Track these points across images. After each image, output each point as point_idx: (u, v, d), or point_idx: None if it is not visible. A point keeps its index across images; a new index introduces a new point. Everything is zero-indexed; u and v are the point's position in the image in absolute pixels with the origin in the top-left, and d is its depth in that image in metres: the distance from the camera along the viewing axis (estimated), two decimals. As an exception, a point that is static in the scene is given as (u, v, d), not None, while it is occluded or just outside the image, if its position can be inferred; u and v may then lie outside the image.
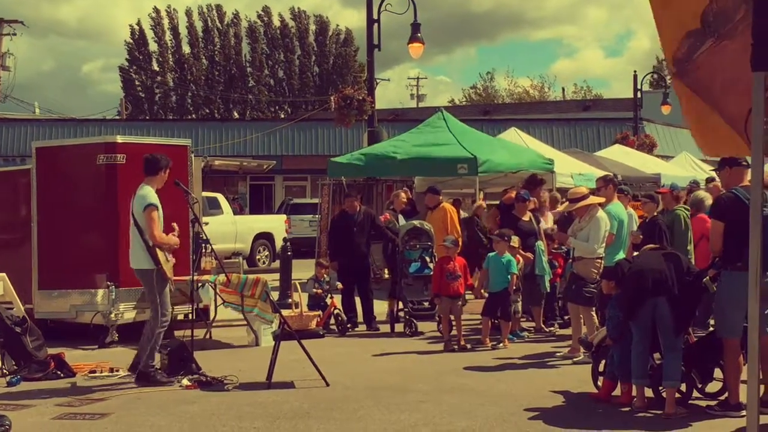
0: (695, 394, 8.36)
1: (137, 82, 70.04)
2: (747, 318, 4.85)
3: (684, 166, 27.51)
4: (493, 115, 49.00)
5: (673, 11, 4.73)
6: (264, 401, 8.59)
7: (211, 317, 12.86)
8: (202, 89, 68.29)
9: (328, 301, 13.32)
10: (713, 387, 8.42)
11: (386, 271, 16.49)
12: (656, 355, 8.28)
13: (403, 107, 63.15)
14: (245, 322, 11.95)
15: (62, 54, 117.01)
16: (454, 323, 11.82)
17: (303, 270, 16.55)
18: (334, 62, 70.54)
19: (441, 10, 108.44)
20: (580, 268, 10.65)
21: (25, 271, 12.31)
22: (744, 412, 7.24)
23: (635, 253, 10.08)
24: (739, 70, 4.60)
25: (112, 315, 11.85)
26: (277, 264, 20.09)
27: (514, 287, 11.91)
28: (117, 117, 55.85)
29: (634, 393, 8.24)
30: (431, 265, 13.01)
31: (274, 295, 12.76)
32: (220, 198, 24.79)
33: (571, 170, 19.06)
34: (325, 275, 13.63)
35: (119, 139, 12.35)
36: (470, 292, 13.06)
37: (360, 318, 13.52)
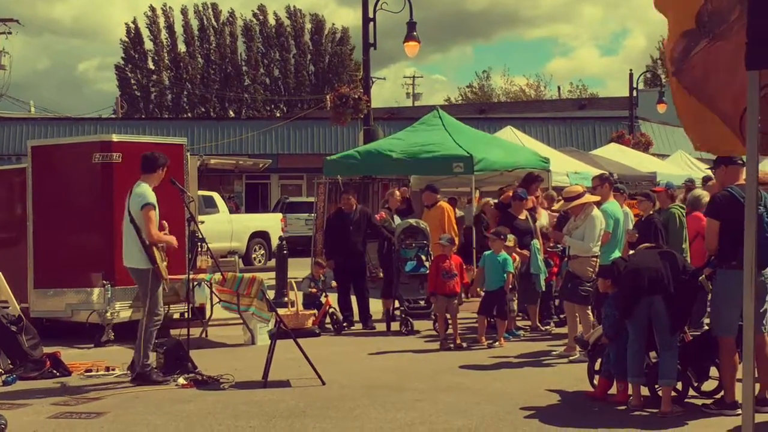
0: (691, 392, 8.37)
1: (133, 81, 70.02)
2: (742, 316, 4.86)
3: (679, 164, 27.54)
4: (488, 114, 49.05)
5: (671, 11, 4.76)
6: (260, 400, 8.58)
7: (207, 316, 12.86)
8: (198, 88, 68.27)
9: (323, 299, 13.32)
10: (709, 385, 8.43)
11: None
12: (652, 354, 8.29)
13: (399, 106, 63.29)
14: (241, 321, 11.95)
15: (58, 52, 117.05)
16: (450, 322, 11.83)
17: (299, 269, 16.57)
18: (330, 61, 70.54)
19: (436, 8, 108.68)
20: (575, 267, 10.66)
21: (20, 269, 12.30)
22: (740, 411, 7.27)
23: (631, 252, 10.10)
24: (734, 70, 4.62)
25: (108, 314, 11.85)
26: (272, 263, 20.09)
27: (510, 286, 11.92)
28: (113, 116, 55.80)
29: (630, 391, 8.25)
30: (427, 264, 13.01)
31: (270, 294, 12.76)
32: (216, 197, 24.77)
33: (566, 169, 19.07)
34: (322, 274, 13.63)
35: (115, 137, 12.34)
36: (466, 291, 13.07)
37: (356, 317, 13.52)
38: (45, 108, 74.25)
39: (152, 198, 9.46)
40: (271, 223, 26.18)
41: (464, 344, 11.65)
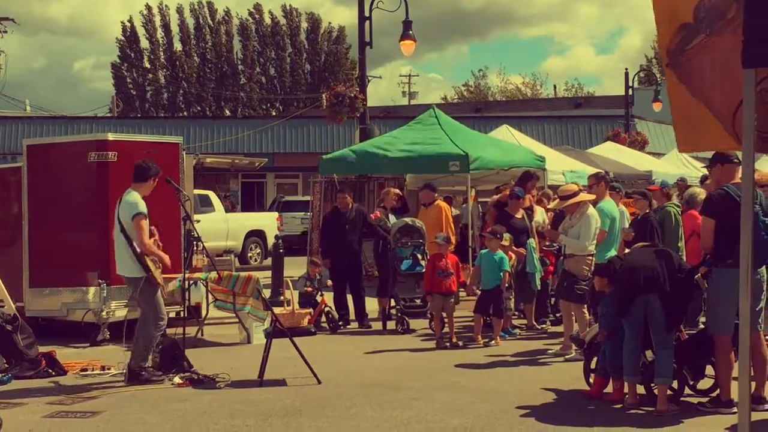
0: (687, 390, 8.38)
1: (129, 80, 69.93)
2: (738, 314, 4.86)
3: (675, 163, 27.54)
4: (484, 113, 48.99)
5: (669, 2, 4.76)
6: (256, 399, 8.58)
7: (203, 315, 12.84)
8: (194, 87, 68.20)
9: (319, 298, 13.31)
10: (705, 384, 8.43)
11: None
12: (648, 352, 8.30)
13: (395, 104, 63.17)
14: (237, 320, 11.95)
15: (53, 51, 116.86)
16: (446, 320, 11.83)
17: (295, 267, 16.56)
18: (326, 60, 70.49)
19: (432, 7, 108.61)
20: (571, 266, 10.67)
21: (16, 268, 12.29)
22: (735, 409, 7.28)
23: (627, 251, 10.10)
24: (728, 67, 4.62)
25: (104, 313, 11.84)
26: (268, 261, 20.09)
27: (507, 284, 11.92)
28: (108, 114, 55.66)
29: (626, 390, 8.26)
30: (423, 263, 13.00)
31: (266, 293, 12.76)
32: (212, 195, 24.75)
33: (562, 167, 19.08)
34: (317, 273, 13.62)
35: (110, 136, 12.32)
36: (463, 289, 13.05)
37: (352, 315, 13.51)
38: (41, 107, 74.35)
39: (143, 207, 9.39)
40: (267, 222, 26.18)
41: (460, 343, 11.65)
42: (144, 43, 69.10)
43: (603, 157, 23.72)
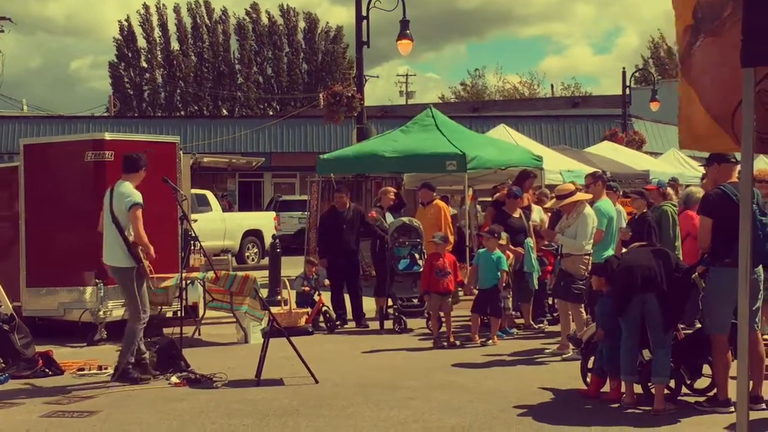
0: (684, 390, 8.38)
1: (126, 79, 69.91)
2: (735, 314, 4.86)
3: (672, 162, 27.57)
4: (482, 112, 48.98)
5: (678, 8, 4.77)
6: (253, 398, 8.57)
7: (200, 315, 12.82)
8: (191, 86, 68.18)
9: (316, 298, 13.30)
10: (702, 383, 8.44)
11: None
12: (645, 352, 8.29)
13: (392, 104, 63.14)
14: (234, 320, 11.93)
15: (50, 51, 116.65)
16: (443, 320, 11.82)
17: (292, 267, 16.54)
18: (323, 59, 70.49)
19: (430, 7, 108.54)
20: (568, 265, 10.66)
21: (12, 268, 12.27)
22: (732, 408, 7.28)
23: (624, 250, 10.10)
24: (726, 67, 4.62)
25: (101, 312, 11.82)
26: (266, 261, 20.07)
27: (505, 284, 11.91)
28: (105, 114, 55.64)
29: (623, 389, 8.25)
30: (420, 262, 12.99)
31: (263, 292, 12.75)
32: (209, 195, 24.73)
33: (560, 167, 19.06)
34: (314, 273, 13.61)
35: (107, 136, 12.31)
36: (461, 288, 13.04)
37: (349, 315, 13.50)
38: (37, 106, 74.14)
39: (139, 198, 9.40)
40: (264, 221, 26.16)
41: (458, 342, 11.65)
42: (141, 43, 69.20)
43: (600, 157, 23.70)
